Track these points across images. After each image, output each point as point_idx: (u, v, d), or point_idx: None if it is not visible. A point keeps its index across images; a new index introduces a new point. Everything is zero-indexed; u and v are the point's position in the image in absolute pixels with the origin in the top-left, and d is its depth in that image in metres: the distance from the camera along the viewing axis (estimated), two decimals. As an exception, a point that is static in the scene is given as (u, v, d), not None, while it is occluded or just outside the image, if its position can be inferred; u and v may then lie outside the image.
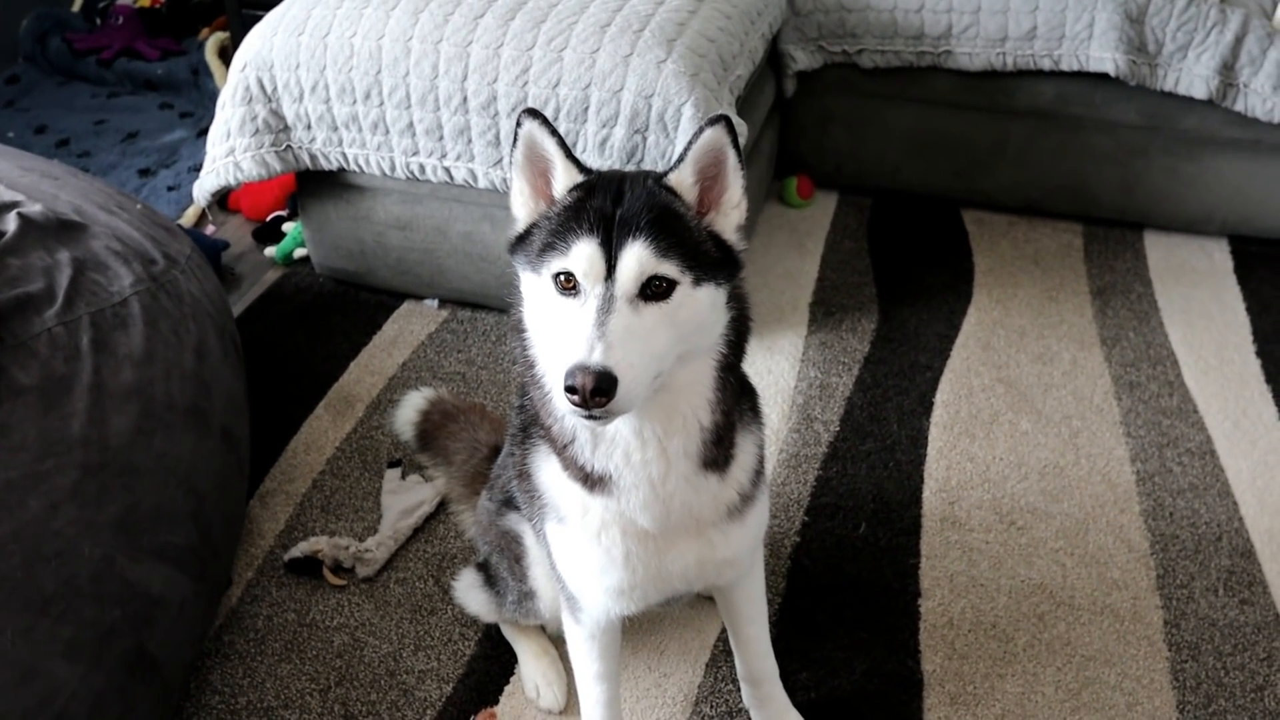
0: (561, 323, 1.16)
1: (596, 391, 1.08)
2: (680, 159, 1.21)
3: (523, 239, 1.26)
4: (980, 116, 3.01)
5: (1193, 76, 2.75)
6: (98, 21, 4.26)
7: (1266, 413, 2.43)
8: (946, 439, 2.35)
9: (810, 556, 2.07)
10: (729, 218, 1.25)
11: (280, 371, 2.55)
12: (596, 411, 1.10)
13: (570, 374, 1.09)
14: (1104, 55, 2.76)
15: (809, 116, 3.15)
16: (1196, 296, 2.82)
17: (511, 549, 1.73)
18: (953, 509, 2.18)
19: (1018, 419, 2.41)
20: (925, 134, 3.08)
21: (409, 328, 2.71)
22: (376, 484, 2.23)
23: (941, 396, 2.47)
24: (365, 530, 2.13)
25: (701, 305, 1.19)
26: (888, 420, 2.41)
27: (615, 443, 1.26)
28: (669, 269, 1.15)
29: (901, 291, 2.84)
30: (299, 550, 2.03)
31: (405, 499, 2.16)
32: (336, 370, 2.56)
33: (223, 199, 3.10)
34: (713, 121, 1.19)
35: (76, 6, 4.35)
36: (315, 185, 2.68)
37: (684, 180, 1.22)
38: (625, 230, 1.14)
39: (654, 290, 1.14)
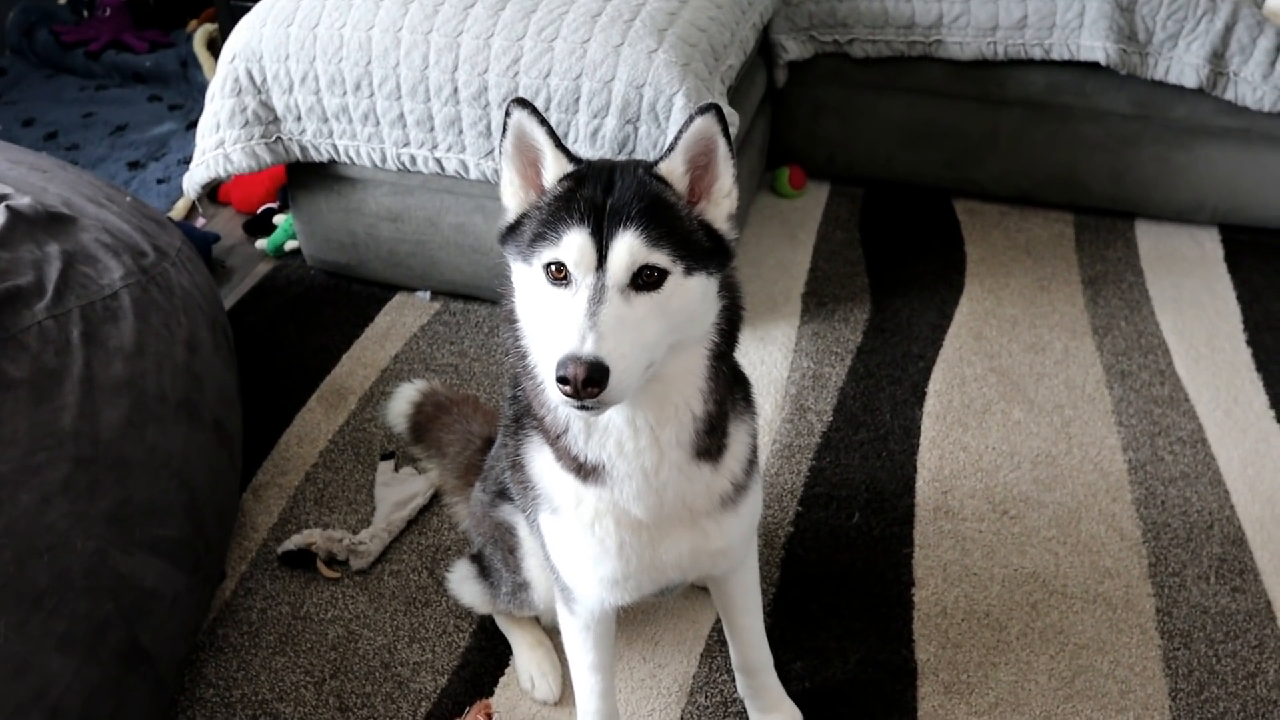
0: (553, 313, 1.16)
1: (589, 381, 1.07)
2: (671, 148, 1.21)
3: (513, 229, 1.25)
4: (971, 106, 3.01)
5: (1183, 65, 2.75)
6: (85, 14, 4.24)
7: (1257, 401, 2.44)
8: (939, 428, 2.36)
9: (804, 547, 2.08)
10: (720, 206, 1.24)
11: (272, 364, 2.54)
12: (589, 402, 1.10)
13: (562, 364, 1.08)
14: (1094, 44, 2.76)
15: (800, 107, 3.15)
16: (1187, 285, 2.83)
17: (505, 540, 1.72)
18: (946, 498, 2.18)
19: (1010, 408, 2.42)
20: (917, 124, 3.08)
21: (401, 320, 2.70)
22: (370, 476, 2.23)
23: (934, 386, 2.48)
24: (359, 523, 2.12)
25: (693, 295, 1.18)
26: (881, 410, 2.41)
27: (608, 433, 1.25)
28: (660, 258, 1.14)
29: (894, 281, 2.85)
30: (292, 543, 2.03)
31: (399, 491, 2.16)
32: (329, 363, 2.55)
33: (213, 191, 3.10)
34: (703, 110, 1.18)
35: (63, -1, 4.33)
36: (306, 177, 2.67)
37: (675, 169, 1.22)
38: (616, 220, 1.14)
39: (645, 280, 1.14)
